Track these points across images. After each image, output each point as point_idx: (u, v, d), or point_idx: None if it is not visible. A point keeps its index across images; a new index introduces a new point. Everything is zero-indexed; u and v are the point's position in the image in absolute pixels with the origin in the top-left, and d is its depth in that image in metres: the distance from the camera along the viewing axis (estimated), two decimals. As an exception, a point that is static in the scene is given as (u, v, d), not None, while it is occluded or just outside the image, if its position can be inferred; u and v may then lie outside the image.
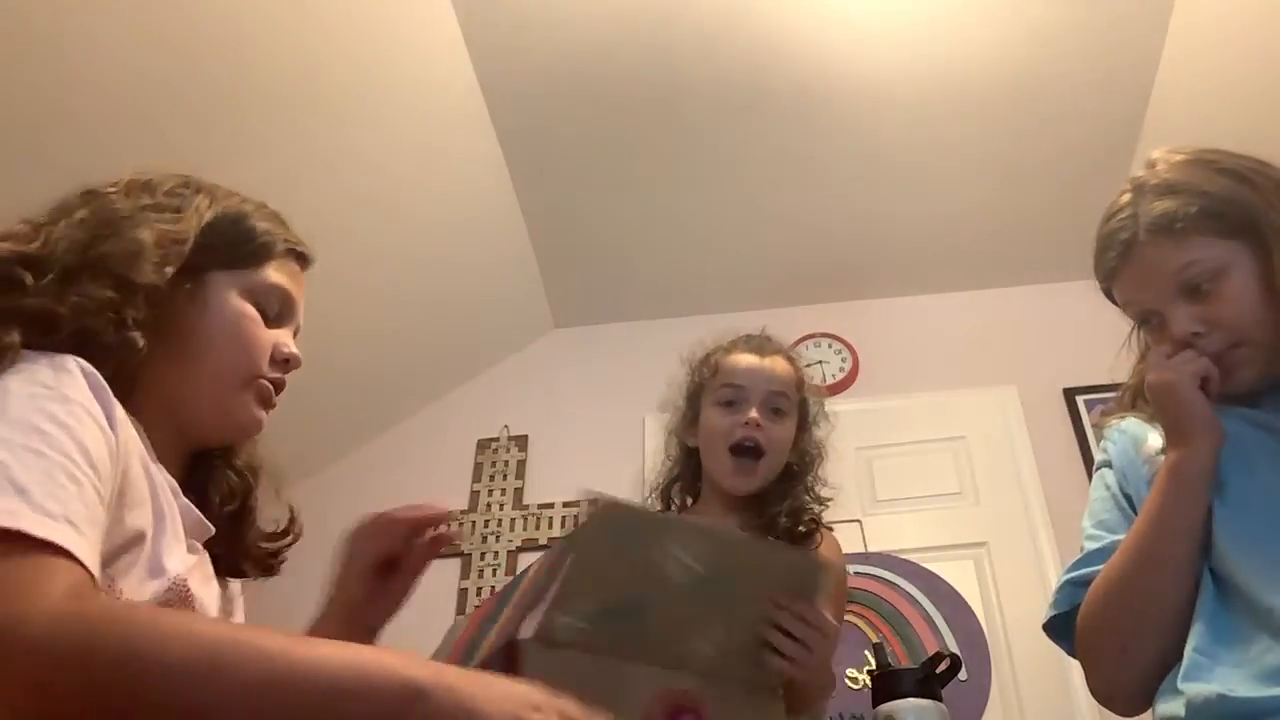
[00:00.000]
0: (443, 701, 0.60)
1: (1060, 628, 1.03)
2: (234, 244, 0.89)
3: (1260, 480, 0.93)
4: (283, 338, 0.92)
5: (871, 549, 2.51)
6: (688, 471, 1.38)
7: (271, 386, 0.91)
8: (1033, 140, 2.66)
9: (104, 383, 0.74)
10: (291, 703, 0.58)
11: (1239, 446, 0.96)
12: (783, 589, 0.93)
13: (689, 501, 1.38)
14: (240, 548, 0.93)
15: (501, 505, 2.90)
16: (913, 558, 2.56)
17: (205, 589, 0.82)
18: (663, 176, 2.76)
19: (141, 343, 0.79)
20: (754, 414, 1.28)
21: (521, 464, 2.97)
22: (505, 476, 2.95)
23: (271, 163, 2.27)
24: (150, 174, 0.90)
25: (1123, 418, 1.10)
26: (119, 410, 0.74)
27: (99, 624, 0.57)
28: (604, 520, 0.91)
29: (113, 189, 0.87)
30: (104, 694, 0.56)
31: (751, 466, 1.27)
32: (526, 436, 3.02)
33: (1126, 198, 1.03)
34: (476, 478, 2.96)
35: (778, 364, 1.34)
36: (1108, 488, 1.08)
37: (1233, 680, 0.83)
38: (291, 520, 1.00)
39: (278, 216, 0.97)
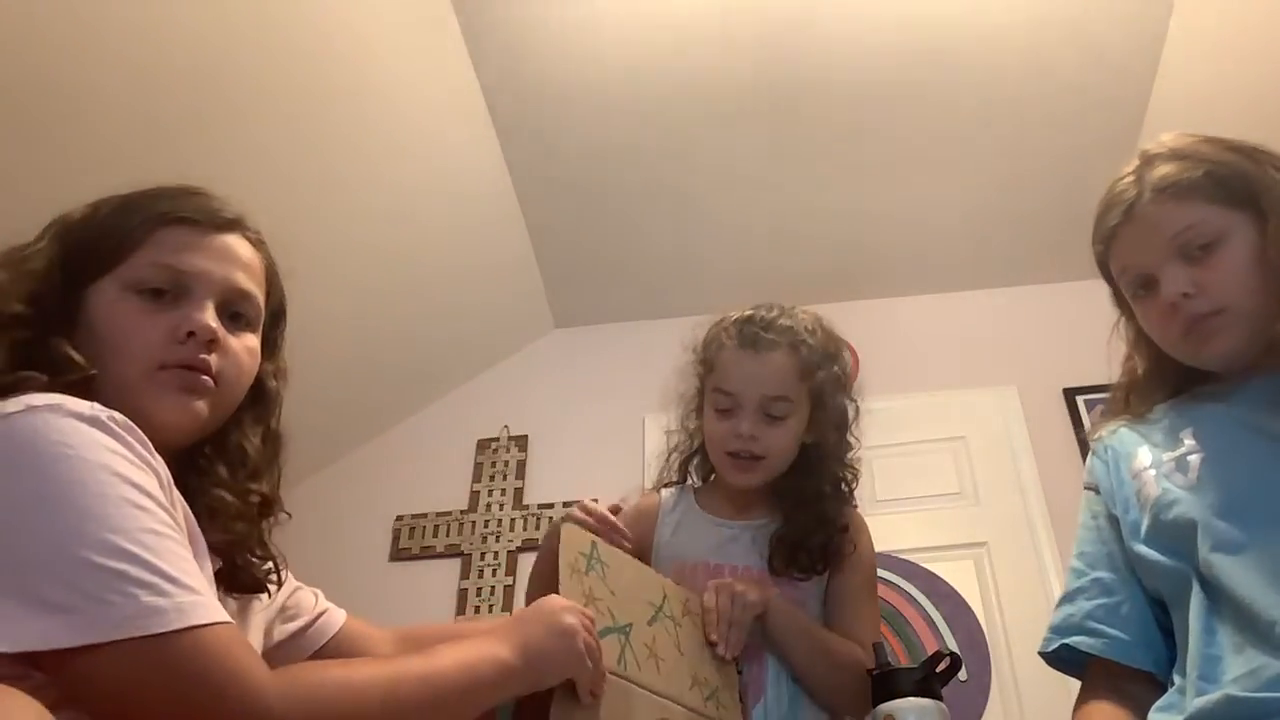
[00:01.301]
0: (530, 663, 0.84)
1: (1063, 654, 1.04)
2: (96, 247, 0.83)
3: (1250, 484, 0.91)
4: (191, 313, 0.82)
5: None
6: (697, 454, 1.35)
7: (194, 369, 0.82)
8: (1033, 140, 2.66)
9: (123, 418, 0.72)
10: (447, 708, 0.77)
11: (1220, 448, 0.96)
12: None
13: (710, 476, 1.35)
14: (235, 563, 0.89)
15: (501, 505, 2.90)
16: (912, 558, 2.56)
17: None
18: (663, 176, 2.75)
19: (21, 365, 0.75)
20: (745, 427, 1.21)
21: (521, 464, 2.97)
22: (505, 476, 2.95)
23: (272, 163, 2.27)
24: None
25: (1114, 430, 1.10)
26: (148, 440, 0.73)
27: (315, 690, 0.70)
28: (571, 543, 0.99)
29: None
30: None
31: (750, 465, 1.24)
32: (526, 436, 3.01)
33: (1133, 165, 1.04)
34: (476, 478, 2.96)
35: (773, 361, 1.23)
36: (1093, 516, 1.08)
37: (1236, 690, 0.83)
38: (277, 567, 0.93)
39: (178, 192, 0.88)
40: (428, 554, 2.82)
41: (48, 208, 0.87)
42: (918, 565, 2.57)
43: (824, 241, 2.94)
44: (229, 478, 0.88)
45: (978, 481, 2.74)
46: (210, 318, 0.83)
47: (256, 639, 0.93)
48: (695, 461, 1.36)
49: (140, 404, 0.78)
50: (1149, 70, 2.51)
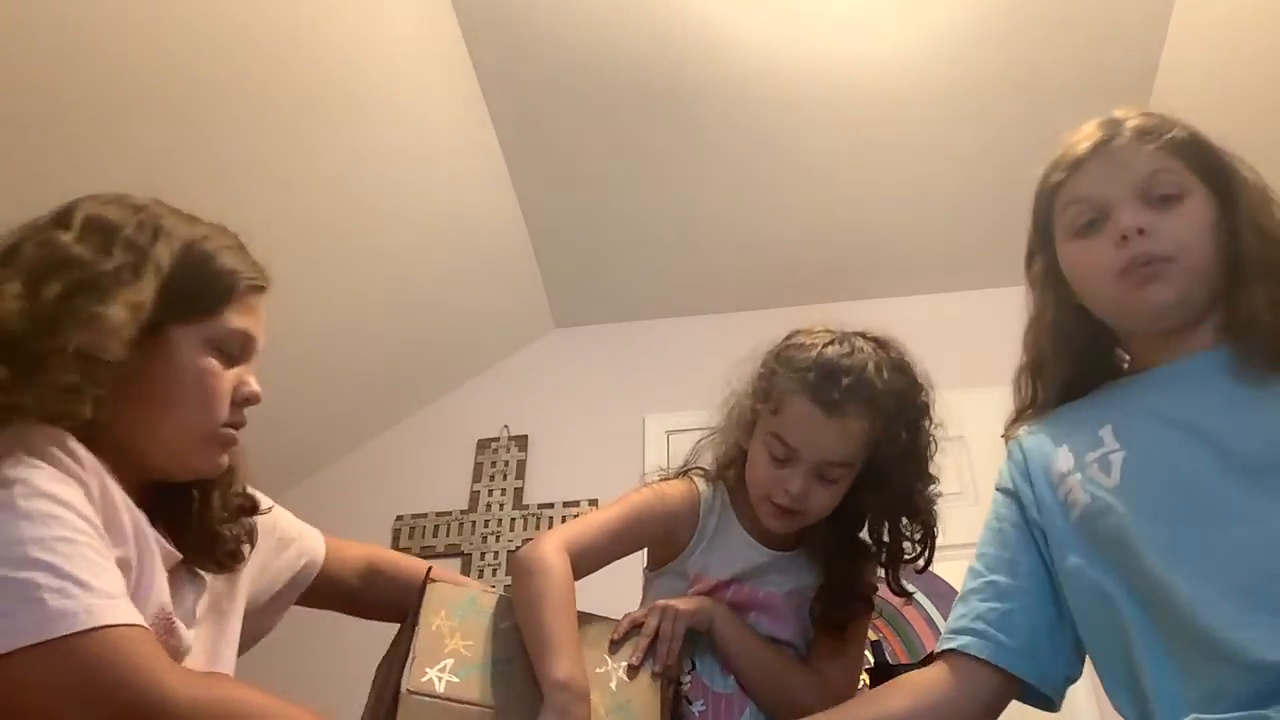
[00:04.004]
0: None
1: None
2: (194, 296, 0.87)
3: (1173, 483, 0.88)
4: (244, 375, 0.91)
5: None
6: (740, 459, 1.26)
7: (234, 430, 0.91)
8: (1033, 140, 2.64)
9: (64, 436, 0.74)
10: None
11: (1141, 445, 0.93)
12: (622, 655, 1.03)
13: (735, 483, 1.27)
14: (203, 547, 0.93)
15: (501, 505, 2.90)
16: (912, 558, 2.56)
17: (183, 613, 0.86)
18: (664, 176, 2.75)
19: (90, 414, 0.77)
20: (796, 486, 1.13)
21: (521, 464, 2.97)
22: (505, 476, 2.95)
23: (271, 162, 2.27)
24: (103, 211, 0.85)
25: (1030, 430, 1.08)
26: (86, 458, 0.75)
27: (223, 701, 0.71)
28: (439, 599, 0.98)
29: (65, 233, 0.82)
30: None
31: (789, 516, 1.17)
32: (526, 436, 3.01)
33: (1103, 119, 1.04)
34: (476, 478, 2.96)
35: (846, 427, 1.12)
36: (998, 519, 1.07)
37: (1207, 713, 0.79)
38: (251, 506, 0.98)
39: (236, 244, 0.95)
40: (428, 554, 2.82)
41: (41, 212, 0.87)
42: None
43: (825, 241, 2.94)
44: (220, 504, 0.94)
45: (978, 481, 2.73)
46: (256, 382, 0.93)
47: (250, 590, 1.00)
48: (731, 472, 1.27)
49: (188, 452, 0.86)
50: (1149, 72, 2.51)
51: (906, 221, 2.90)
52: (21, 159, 1.86)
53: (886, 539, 1.22)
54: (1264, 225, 0.94)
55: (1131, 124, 1.00)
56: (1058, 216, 1.05)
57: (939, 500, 1.22)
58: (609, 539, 1.15)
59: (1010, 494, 1.07)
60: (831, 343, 1.18)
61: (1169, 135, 0.98)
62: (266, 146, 2.23)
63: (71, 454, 0.75)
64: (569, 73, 2.47)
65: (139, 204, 0.89)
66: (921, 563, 1.22)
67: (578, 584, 1.07)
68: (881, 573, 1.24)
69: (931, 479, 1.21)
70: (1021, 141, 2.68)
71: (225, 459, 0.91)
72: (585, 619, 1.05)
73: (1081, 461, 0.97)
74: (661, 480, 1.27)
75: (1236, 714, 0.76)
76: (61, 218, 0.85)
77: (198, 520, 0.91)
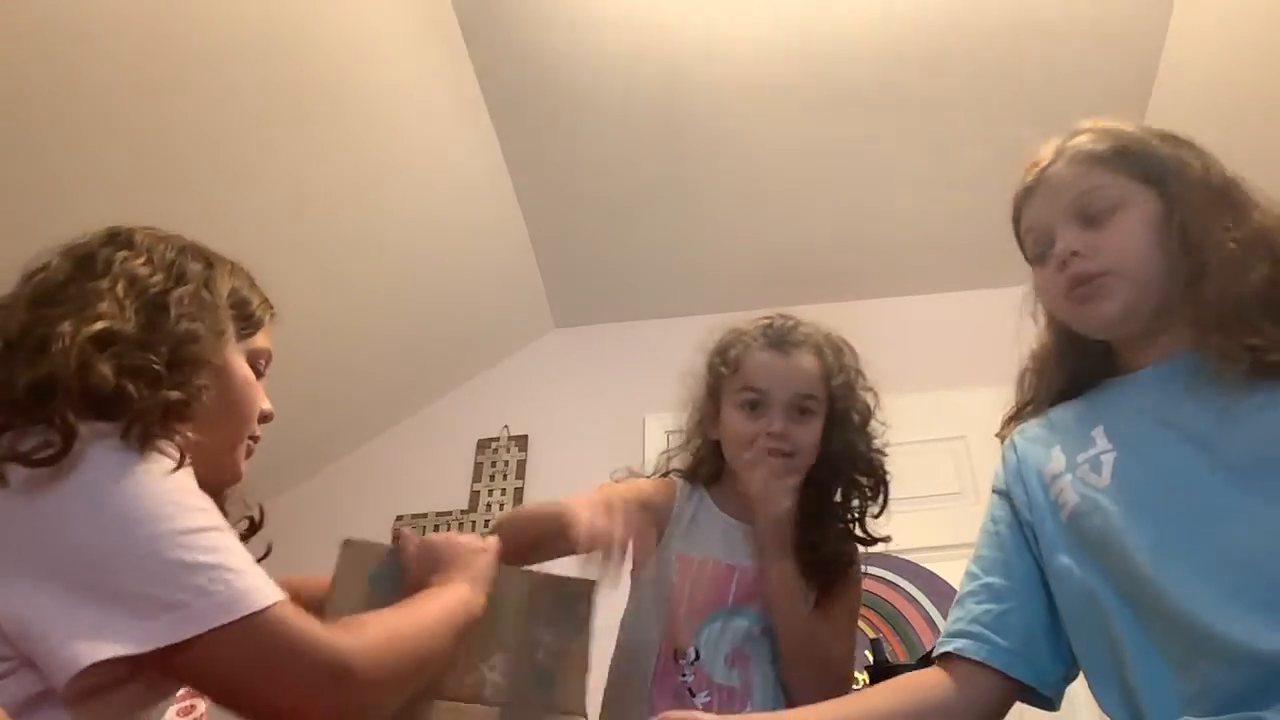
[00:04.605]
0: (479, 599, 0.95)
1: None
2: (243, 316, 0.97)
3: (1163, 484, 0.88)
4: (263, 395, 1.00)
5: (871, 549, 2.53)
6: (710, 456, 1.33)
7: (255, 442, 1.00)
8: (1033, 140, 2.65)
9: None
10: (449, 642, 0.89)
11: (1131, 446, 0.93)
12: (545, 620, 1.01)
13: (719, 476, 1.34)
14: None
15: (501, 505, 2.90)
16: (912, 558, 2.56)
17: None
18: (664, 177, 2.75)
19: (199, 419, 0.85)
20: (777, 425, 1.22)
21: (521, 464, 2.97)
22: (505, 476, 2.95)
23: (271, 162, 2.27)
24: (162, 246, 0.92)
25: (1023, 431, 1.10)
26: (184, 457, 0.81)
27: (377, 640, 0.79)
28: (353, 562, 0.99)
29: (144, 266, 0.88)
30: (410, 683, 0.83)
31: (782, 459, 1.23)
32: (526, 436, 3.02)
33: (1059, 139, 1.07)
34: (476, 478, 2.96)
35: (802, 361, 1.27)
36: (994, 521, 1.07)
37: (1198, 713, 0.79)
38: (258, 521, 1.02)
39: (253, 279, 1.03)
40: (428, 554, 2.82)
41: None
42: (918, 565, 2.56)
43: (824, 241, 2.94)
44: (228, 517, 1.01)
45: (978, 481, 2.74)
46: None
47: None
48: (702, 472, 1.34)
49: (224, 459, 0.94)
50: (1149, 71, 2.51)
51: (906, 221, 2.90)
52: (23, 160, 1.86)
53: (846, 498, 1.31)
54: (1205, 223, 0.93)
55: (1071, 145, 1.04)
56: (1023, 243, 1.09)
57: (886, 454, 1.32)
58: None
59: (1003, 495, 1.08)
60: (768, 318, 1.33)
61: (1099, 150, 1.00)
62: (268, 147, 2.23)
63: (180, 450, 0.80)
64: (569, 74, 2.47)
65: (180, 240, 0.96)
66: (877, 509, 1.31)
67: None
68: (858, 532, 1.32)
69: (875, 434, 1.32)
70: (1022, 142, 2.69)
71: (244, 468, 0.98)
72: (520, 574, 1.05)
73: (1073, 462, 0.97)
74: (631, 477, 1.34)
75: (1230, 716, 0.76)
76: (118, 240, 0.91)
77: None
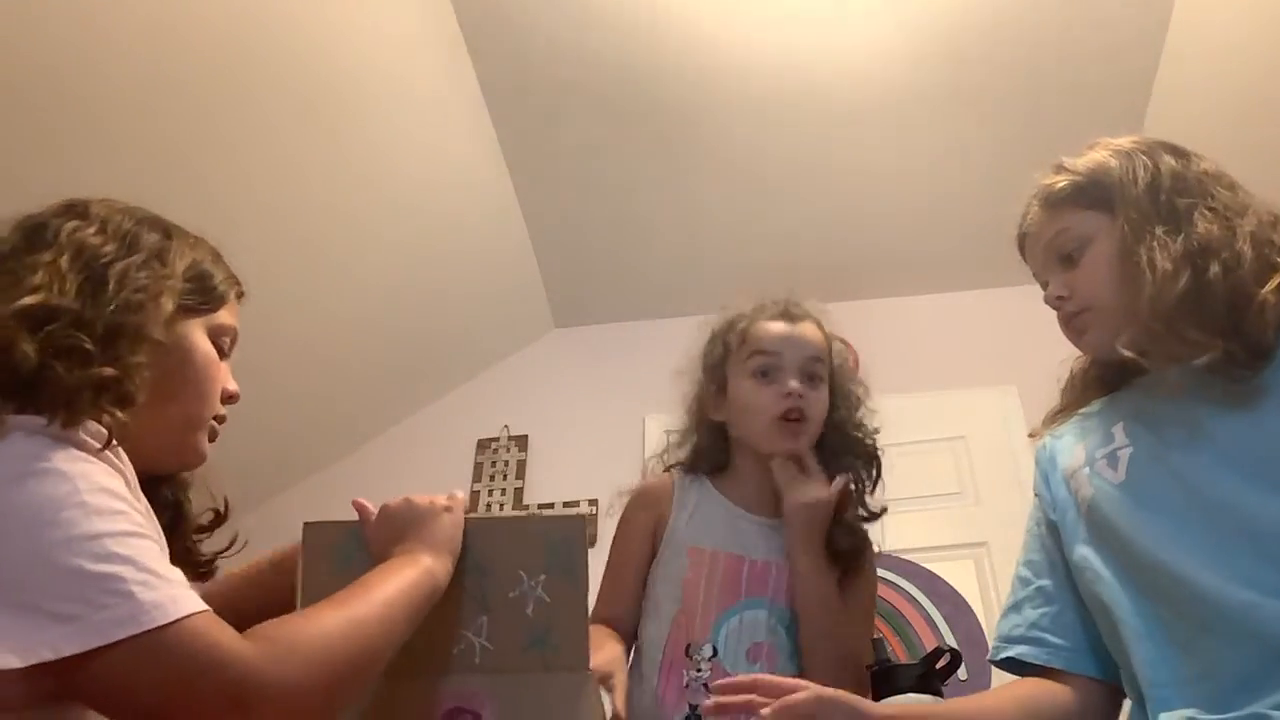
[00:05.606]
0: (444, 565, 0.90)
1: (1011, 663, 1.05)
2: (203, 290, 0.91)
3: (1174, 478, 0.91)
4: (227, 374, 0.95)
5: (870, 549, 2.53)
6: (713, 443, 1.32)
7: (217, 424, 0.94)
8: (1033, 139, 2.65)
9: (98, 428, 0.74)
10: (398, 630, 0.81)
11: (1147, 442, 0.96)
12: (530, 569, 0.93)
13: (722, 466, 1.33)
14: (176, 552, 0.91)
15: (501, 505, 2.89)
16: (912, 557, 2.56)
17: None
18: (663, 176, 2.76)
19: (141, 398, 0.78)
20: (794, 384, 1.22)
21: (521, 464, 2.97)
22: (505, 476, 2.95)
23: (272, 162, 2.27)
24: (119, 217, 0.87)
25: (1054, 429, 1.12)
26: (120, 451, 0.75)
27: (292, 644, 0.72)
28: (317, 545, 0.96)
29: (95, 236, 0.83)
30: (353, 681, 0.76)
31: (798, 428, 1.23)
32: (526, 436, 3.01)
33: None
34: (476, 478, 2.96)
35: (808, 329, 1.29)
36: (1036, 524, 1.10)
37: (1201, 698, 0.82)
38: (223, 512, 0.99)
39: (219, 254, 0.98)
40: (428, 554, 2.82)
41: (50, 201, 0.88)
42: (918, 565, 2.56)
43: (824, 241, 2.94)
44: (193, 509, 0.96)
45: (978, 481, 2.74)
46: (234, 382, 0.97)
47: None
48: (704, 461, 1.33)
49: (183, 439, 0.89)
50: (1149, 71, 2.51)
51: (907, 221, 2.90)
52: (28, 153, 1.86)
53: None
54: (1137, 237, 0.97)
55: (1042, 188, 1.08)
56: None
57: (876, 435, 1.33)
58: (614, 574, 1.24)
59: (1039, 497, 1.11)
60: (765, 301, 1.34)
61: (1058, 190, 1.05)
62: (269, 147, 2.23)
63: (113, 448, 0.75)
64: (570, 73, 2.47)
65: (138, 212, 0.91)
66: (871, 485, 1.31)
67: None
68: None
69: (865, 418, 1.33)
70: (1022, 142, 2.69)
71: (207, 450, 0.93)
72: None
73: (1091, 457, 1.01)
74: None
75: (1235, 714, 0.78)
76: (73, 210, 0.85)
77: (173, 524, 0.91)
